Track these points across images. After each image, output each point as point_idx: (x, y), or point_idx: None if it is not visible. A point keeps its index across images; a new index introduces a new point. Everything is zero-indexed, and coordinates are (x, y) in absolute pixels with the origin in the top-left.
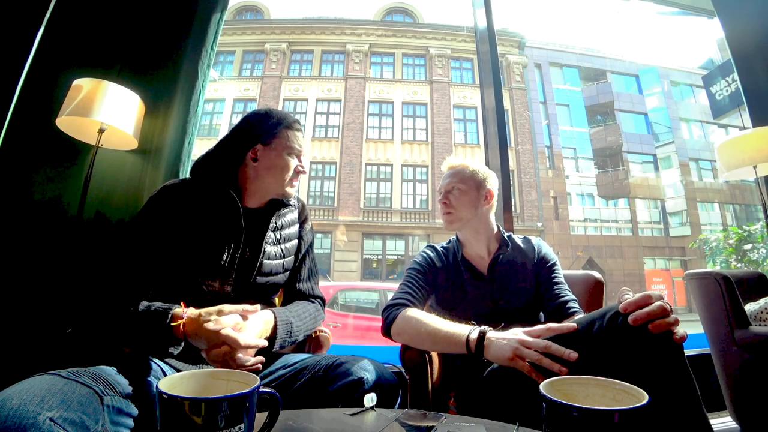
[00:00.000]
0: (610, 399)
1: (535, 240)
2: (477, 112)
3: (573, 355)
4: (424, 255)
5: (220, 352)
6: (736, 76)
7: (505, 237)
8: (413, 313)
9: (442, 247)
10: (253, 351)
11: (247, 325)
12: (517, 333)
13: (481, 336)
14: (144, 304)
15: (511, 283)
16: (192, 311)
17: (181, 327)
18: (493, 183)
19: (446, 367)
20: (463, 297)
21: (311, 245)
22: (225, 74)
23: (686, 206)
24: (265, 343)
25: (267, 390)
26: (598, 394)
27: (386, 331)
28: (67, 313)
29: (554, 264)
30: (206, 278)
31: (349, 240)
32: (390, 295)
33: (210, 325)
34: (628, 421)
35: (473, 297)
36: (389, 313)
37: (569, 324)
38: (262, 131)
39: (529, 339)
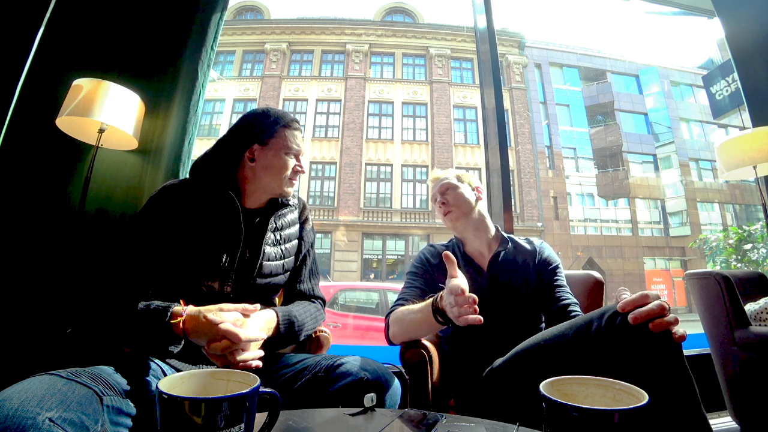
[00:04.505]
0: (610, 399)
1: (538, 241)
2: (477, 112)
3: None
4: (420, 256)
5: (219, 345)
6: (736, 76)
7: (506, 236)
8: (397, 312)
9: (442, 245)
10: (255, 346)
11: (248, 323)
12: (444, 292)
13: (437, 308)
14: (143, 303)
15: (511, 281)
16: (192, 309)
17: (181, 324)
18: (473, 179)
19: (446, 367)
20: None
21: (312, 245)
22: (225, 74)
23: (686, 206)
24: (265, 335)
25: (267, 390)
26: (598, 394)
27: (388, 338)
28: (67, 313)
29: (557, 267)
30: (205, 279)
31: (349, 240)
32: (390, 295)
33: (210, 315)
34: (628, 421)
35: (472, 293)
36: (387, 322)
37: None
38: (259, 130)
39: (448, 288)
